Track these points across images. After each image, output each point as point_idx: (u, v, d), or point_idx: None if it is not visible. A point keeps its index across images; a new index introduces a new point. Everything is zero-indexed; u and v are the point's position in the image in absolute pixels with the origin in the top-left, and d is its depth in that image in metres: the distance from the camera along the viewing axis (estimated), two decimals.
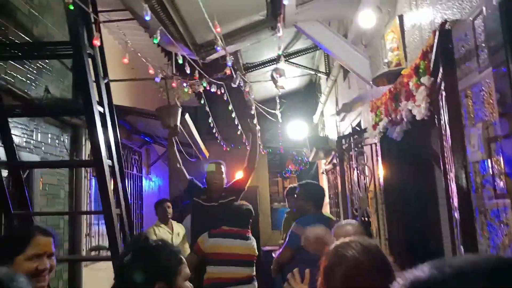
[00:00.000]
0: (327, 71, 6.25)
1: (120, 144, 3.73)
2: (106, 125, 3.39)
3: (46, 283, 1.90)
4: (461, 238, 1.71)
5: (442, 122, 1.97)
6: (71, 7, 1.94)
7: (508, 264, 0.62)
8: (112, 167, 3.45)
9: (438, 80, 1.94)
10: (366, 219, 3.90)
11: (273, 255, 3.92)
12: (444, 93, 1.74)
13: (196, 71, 3.61)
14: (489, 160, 1.64)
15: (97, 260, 4.98)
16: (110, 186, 3.32)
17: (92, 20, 3.13)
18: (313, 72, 6.94)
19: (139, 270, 1.62)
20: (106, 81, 3.53)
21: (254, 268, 4.02)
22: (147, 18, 2.07)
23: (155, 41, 2.41)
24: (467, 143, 1.75)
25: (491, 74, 1.58)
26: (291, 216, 4.87)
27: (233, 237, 3.85)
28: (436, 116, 2.07)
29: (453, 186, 1.81)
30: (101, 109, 3.28)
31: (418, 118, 2.27)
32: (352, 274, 1.31)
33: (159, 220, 5.32)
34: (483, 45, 1.63)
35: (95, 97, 3.14)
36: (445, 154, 1.97)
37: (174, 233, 5.24)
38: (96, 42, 2.39)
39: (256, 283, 3.97)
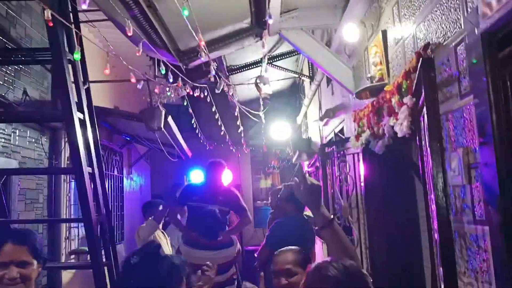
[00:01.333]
0: (311, 74, 6.26)
1: (100, 149, 3.68)
2: (86, 131, 3.33)
3: None
4: (440, 260, 1.74)
5: (423, 142, 2.00)
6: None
7: None
8: (92, 174, 3.40)
9: (421, 101, 1.95)
10: (348, 225, 3.93)
11: (255, 255, 3.97)
12: (425, 117, 1.76)
13: (179, 77, 3.57)
14: (469, 186, 1.66)
15: (77, 268, 4.90)
16: (90, 193, 3.27)
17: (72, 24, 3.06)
18: (296, 75, 6.94)
19: (145, 277, 1.62)
20: (86, 86, 3.46)
21: (233, 268, 4.03)
22: (129, 34, 2.03)
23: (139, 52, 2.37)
24: (447, 167, 1.77)
25: (472, 102, 1.59)
26: (274, 216, 4.91)
27: (203, 248, 3.93)
28: (417, 135, 2.09)
29: (433, 208, 1.83)
30: (80, 116, 3.22)
31: (399, 135, 2.29)
32: None
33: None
34: (465, 72, 1.65)
35: (74, 103, 3.08)
36: (426, 175, 1.99)
37: (167, 237, 5.14)
38: (77, 56, 2.33)
39: (235, 283, 4.00)
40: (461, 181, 1.69)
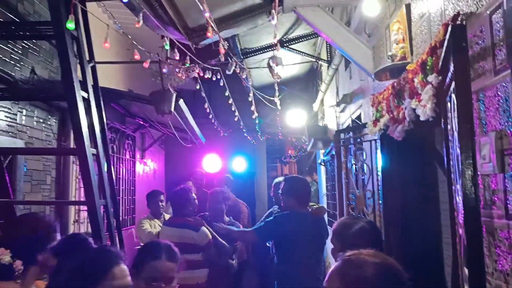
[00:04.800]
0: (329, 59, 6.01)
1: (106, 130, 3.55)
2: (90, 110, 3.21)
3: None
4: (465, 258, 1.54)
5: (449, 127, 1.78)
6: None
7: None
8: (97, 156, 3.29)
9: (447, 79, 1.73)
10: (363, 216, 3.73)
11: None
12: (454, 96, 1.54)
13: (189, 57, 3.39)
14: (501, 175, 1.45)
15: None
16: (94, 176, 3.17)
17: None
18: (314, 60, 6.70)
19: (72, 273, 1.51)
20: (91, 64, 3.32)
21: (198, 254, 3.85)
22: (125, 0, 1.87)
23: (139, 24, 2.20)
24: (476, 153, 1.56)
25: (509, 78, 1.38)
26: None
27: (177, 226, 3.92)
28: (442, 118, 1.87)
29: (459, 200, 1.62)
30: (84, 94, 3.09)
31: (422, 118, 2.07)
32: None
33: (151, 214, 5.00)
34: (501, 43, 1.43)
35: (77, 81, 2.95)
36: (451, 163, 1.78)
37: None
38: (70, 26, 2.16)
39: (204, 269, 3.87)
40: (492, 170, 1.48)
